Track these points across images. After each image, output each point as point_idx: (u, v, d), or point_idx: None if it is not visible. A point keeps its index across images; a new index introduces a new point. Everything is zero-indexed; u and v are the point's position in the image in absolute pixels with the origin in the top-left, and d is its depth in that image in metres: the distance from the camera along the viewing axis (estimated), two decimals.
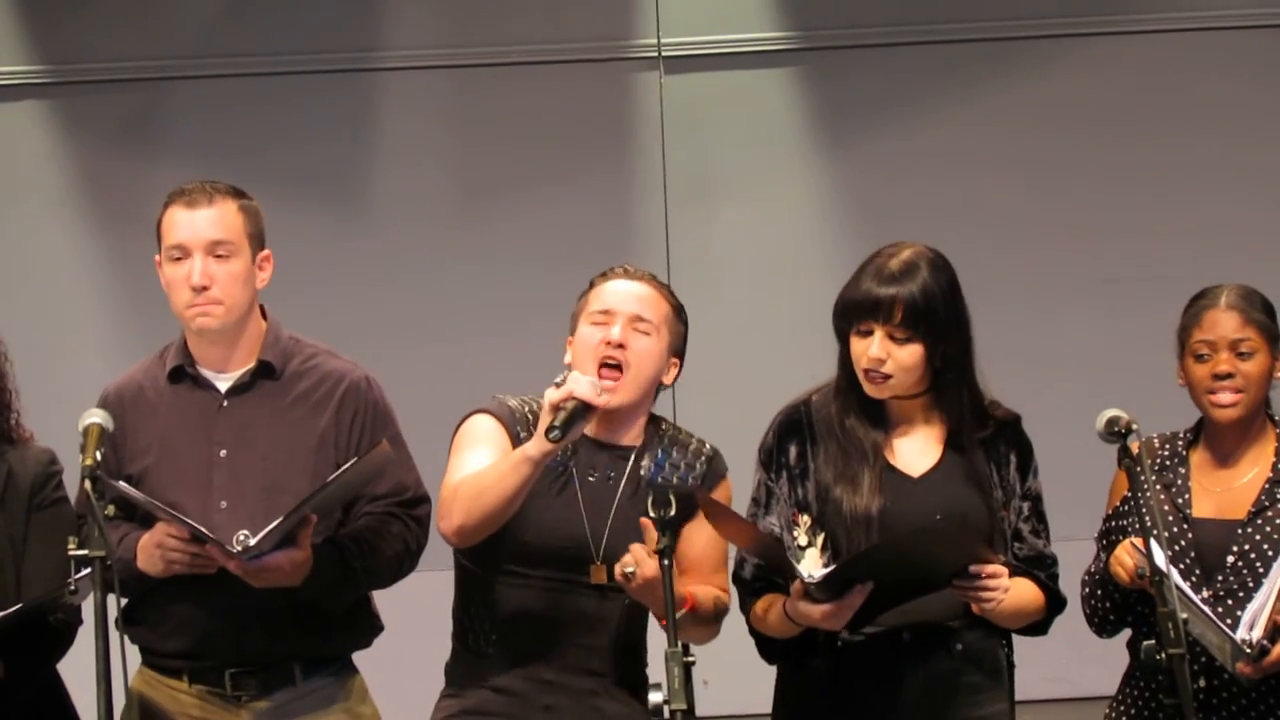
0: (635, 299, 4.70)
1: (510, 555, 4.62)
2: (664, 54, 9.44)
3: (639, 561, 4.39)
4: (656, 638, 4.62)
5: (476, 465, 4.58)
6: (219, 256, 4.74)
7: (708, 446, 4.78)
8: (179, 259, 4.74)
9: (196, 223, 4.74)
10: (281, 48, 9.39)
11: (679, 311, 4.78)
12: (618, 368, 4.61)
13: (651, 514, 4.34)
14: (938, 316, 4.52)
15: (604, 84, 9.46)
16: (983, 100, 9.38)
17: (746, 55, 9.46)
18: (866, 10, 9.38)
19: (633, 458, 4.69)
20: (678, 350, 4.77)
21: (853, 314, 4.57)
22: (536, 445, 4.45)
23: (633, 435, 4.73)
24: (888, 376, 4.54)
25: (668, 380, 4.75)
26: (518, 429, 4.64)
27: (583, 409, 4.46)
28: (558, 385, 4.48)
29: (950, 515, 4.50)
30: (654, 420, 4.78)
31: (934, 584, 4.45)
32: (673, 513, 4.35)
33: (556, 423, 4.41)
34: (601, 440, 4.69)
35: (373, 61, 9.44)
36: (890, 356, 4.53)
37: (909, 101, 9.39)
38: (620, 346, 4.60)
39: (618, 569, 4.44)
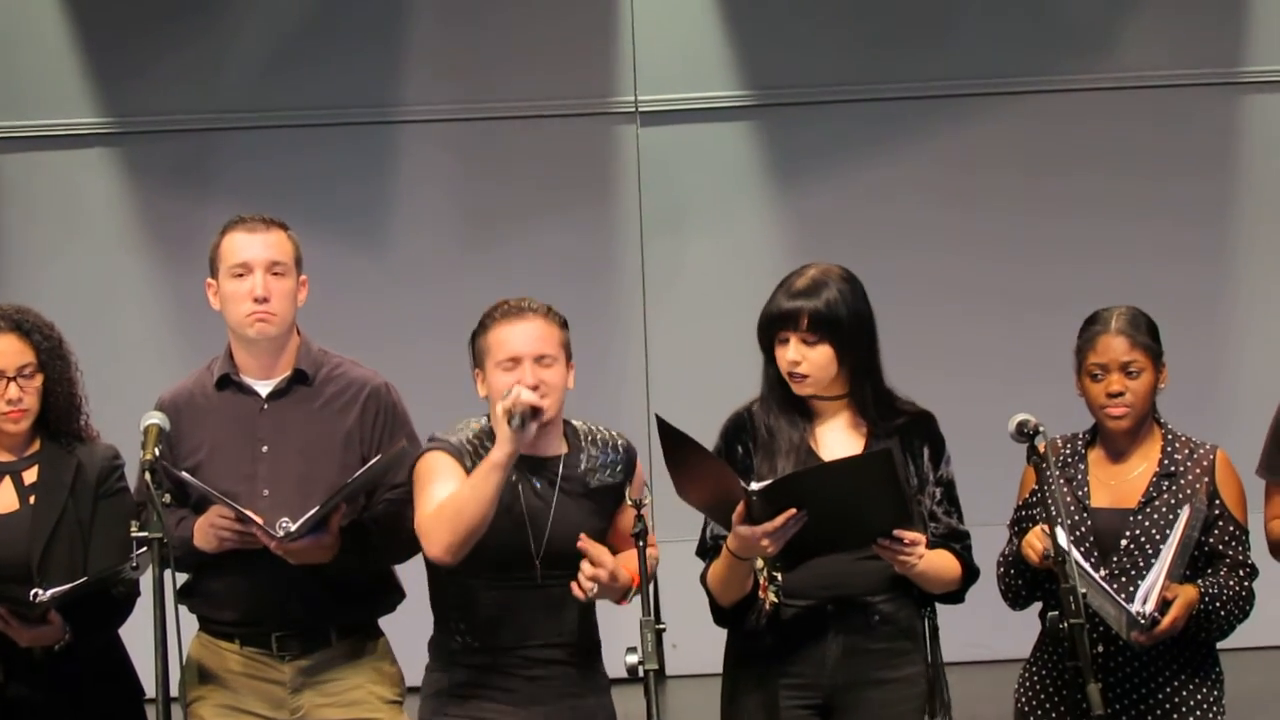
0: (533, 340, 4.54)
1: (468, 561, 4.50)
2: (641, 109, 9.50)
3: (593, 574, 4.40)
4: (605, 611, 4.65)
5: (445, 494, 4.51)
6: (276, 274, 4.75)
7: (620, 439, 4.70)
8: (241, 275, 4.74)
9: (257, 245, 4.76)
10: (314, 103, 9.44)
11: (564, 326, 4.62)
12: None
13: (630, 500, 4.41)
14: (840, 322, 4.56)
15: (589, 135, 9.52)
16: (914, 148, 9.45)
17: (712, 110, 9.53)
18: (815, 72, 9.44)
19: (562, 465, 4.61)
20: (569, 357, 4.63)
21: (769, 326, 4.63)
22: (499, 451, 4.39)
23: (555, 445, 4.62)
24: (805, 375, 4.59)
25: (570, 386, 4.63)
26: (465, 460, 4.54)
27: (531, 411, 4.41)
28: (504, 399, 4.43)
29: (874, 451, 4.50)
30: (570, 427, 4.68)
31: (860, 537, 4.44)
32: (646, 501, 4.38)
33: (515, 413, 4.37)
34: (535, 456, 4.58)
35: (391, 115, 9.49)
36: (805, 358, 4.58)
37: (852, 150, 9.46)
38: (535, 387, 4.50)
39: (575, 589, 4.43)
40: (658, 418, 4.36)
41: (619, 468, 4.67)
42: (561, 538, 4.50)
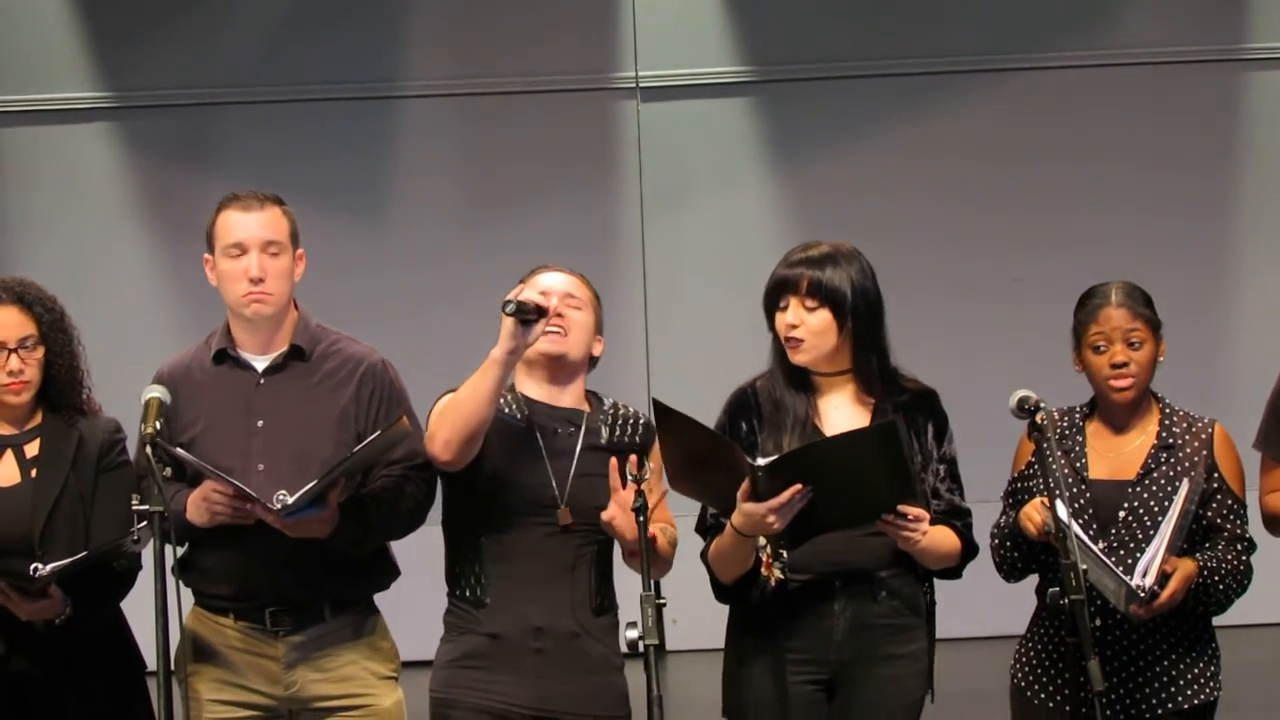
0: (566, 282, 4.73)
1: (488, 508, 4.61)
2: (641, 85, 9.54)
3: (614, 515, 4.48)
4: (621, 578, 4.68)
5: None
6: (271, 253, 4.72)
7: (642, 415, 4.78)
8: (237, 255, 4.72)
9: (252, 224, 4.72)
10: (315, 78, 9.47)
11: (598, 299, 4.79)
12: (560, 331, 4.64)
13: (631, 475, 4.39)
14: (840, 290, 4.58)
15: (590, 110, 9.56)
16: (911, 125, 9.50)
17: (712, 86, 9.56)
18: (815, 49, 9.48)
19: (584, 422, 4.69)
20: (600, 330, 4.77)
21: (773, 293, 4.65)
22: (498, 348, 4.48)
23: (575, 399, 4.71)
24: (801, 341, 4.60)
25: (597, 353, 4.77)
26: None
27: (535, 310, 4.49)
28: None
29: (878, 424, 4.51)
30: (595, 395, 4.79)
31: (866, 512, 4.45)
32: (648, 475, 4.39)
33: (513, 299, 4.46)
34: (551, 404, 4.69)
35: (393, 90, 9.52)
36: (802, 322, 4.59)
37: (850, 125, 9.50)
38: (559, 315, 4.62)
39: (603, 516, 4.51)
40: (655, 401, 4.39)
41: (639, 435, 4.72)
42: (581, 488, 4.60)
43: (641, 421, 4.76)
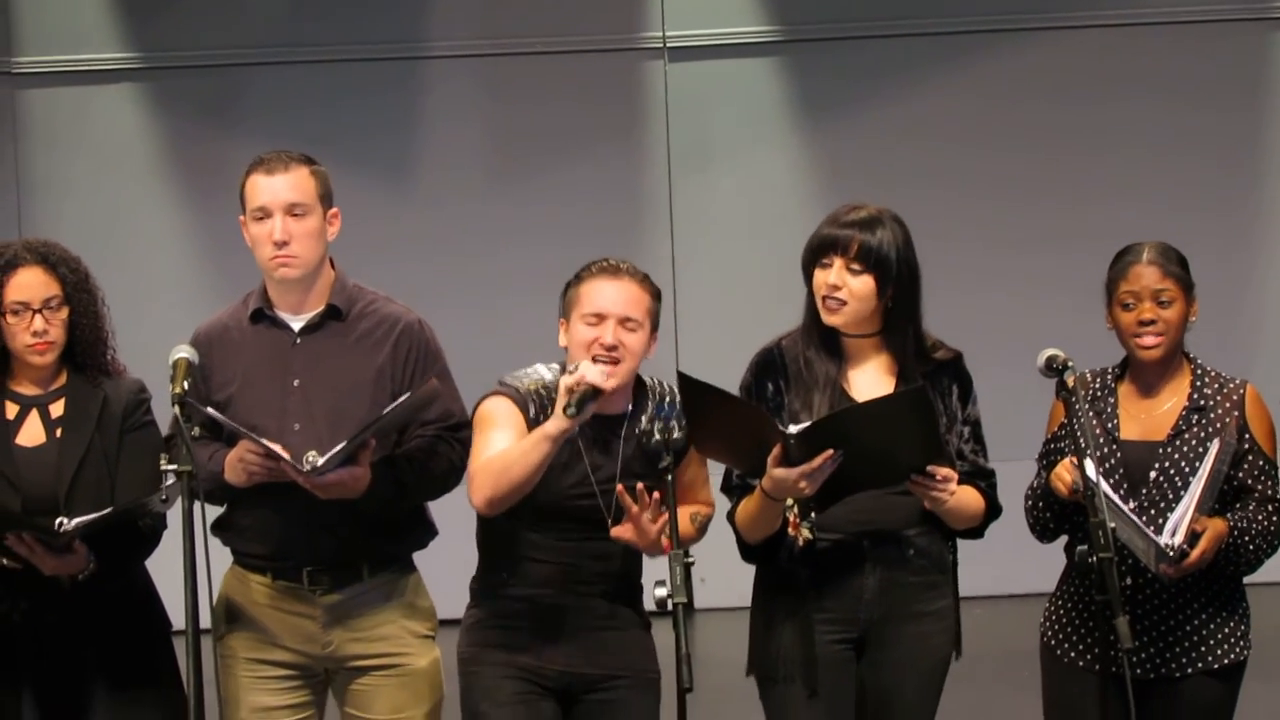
0: (623, 301, 4.58)
1: (529, 513, 4.58)
2: (668, 45, 9.55)
3: (621, 534, 4.49)
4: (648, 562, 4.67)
5: (500, 444, 4.55)
6: (295, 215, 4.70)
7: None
8: (262, 219, 4.71)
9: (275, 187, 4.71)
10: (341, 39, 9.49)
11: (656, 297, 4.67)
12: (613, 360, 4.56)
13: (659, 439, 4.43)
14: (888, 257, 4.56)
15: (617, 71, 9.59)
16: (939, 83, 9.52)
17: (739, 46, 9.59)
18: (843, 7, 9.52)
19: (626, 421, 4.65)
20: (655, 328, 4.67)
21: (818, 250, 4.62)
22: (554, 424, 4.43)
23: (621, 403, 4.65)
24: (843, 303, 4.58)
25: (649, 355, 4.67)
26: (529, 405, 4.60)
27: (593, 392, 4.41)
28: (570, 374, 4.46)
29: (909, 388, 4.50)
30: (643, 384, 4.72)
31: (895, 474, 4.46)
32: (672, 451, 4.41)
33: (573, 401, 4.39)
34: (600, 414, 4.59)
35: (419, 51, 9.54)
36: (845, 285, 4.57)
37: (880, 85, 9.52)
38: (614, 347, 4.54)
39: (613, 533, 4.51)
40: (680, 374, 4.39)
41: (680, 422, 4.64)
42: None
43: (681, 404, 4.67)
